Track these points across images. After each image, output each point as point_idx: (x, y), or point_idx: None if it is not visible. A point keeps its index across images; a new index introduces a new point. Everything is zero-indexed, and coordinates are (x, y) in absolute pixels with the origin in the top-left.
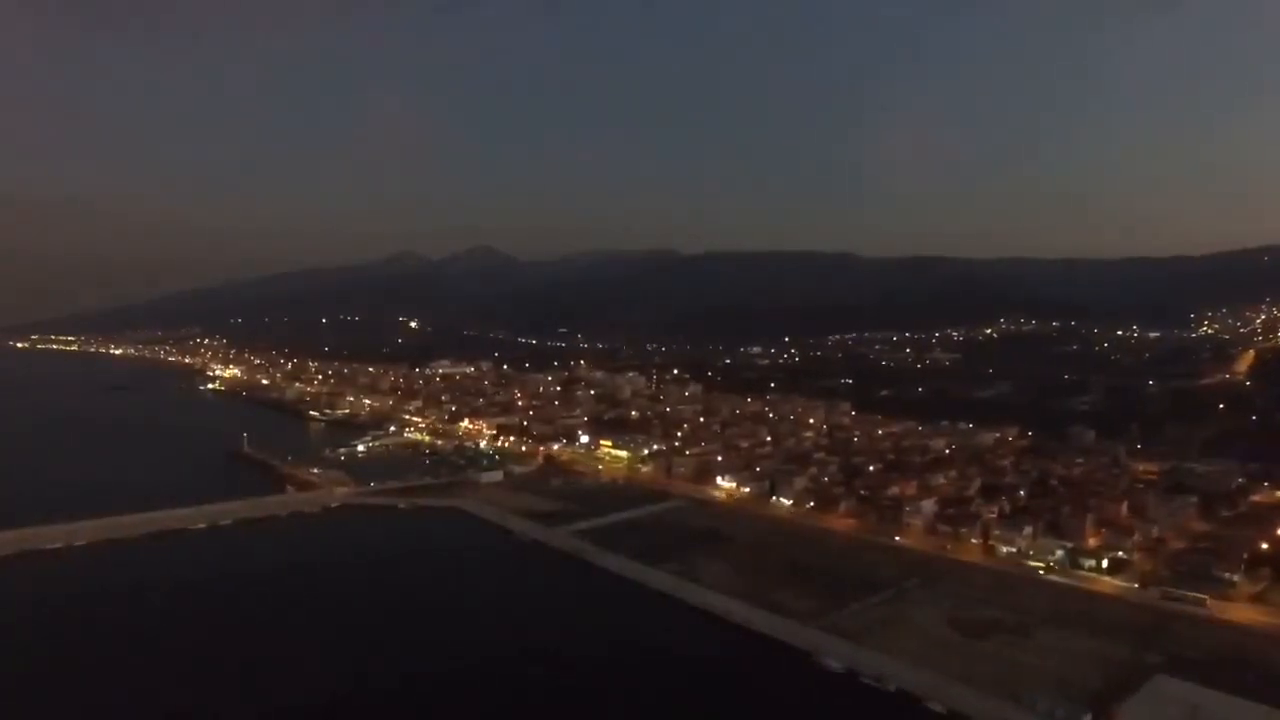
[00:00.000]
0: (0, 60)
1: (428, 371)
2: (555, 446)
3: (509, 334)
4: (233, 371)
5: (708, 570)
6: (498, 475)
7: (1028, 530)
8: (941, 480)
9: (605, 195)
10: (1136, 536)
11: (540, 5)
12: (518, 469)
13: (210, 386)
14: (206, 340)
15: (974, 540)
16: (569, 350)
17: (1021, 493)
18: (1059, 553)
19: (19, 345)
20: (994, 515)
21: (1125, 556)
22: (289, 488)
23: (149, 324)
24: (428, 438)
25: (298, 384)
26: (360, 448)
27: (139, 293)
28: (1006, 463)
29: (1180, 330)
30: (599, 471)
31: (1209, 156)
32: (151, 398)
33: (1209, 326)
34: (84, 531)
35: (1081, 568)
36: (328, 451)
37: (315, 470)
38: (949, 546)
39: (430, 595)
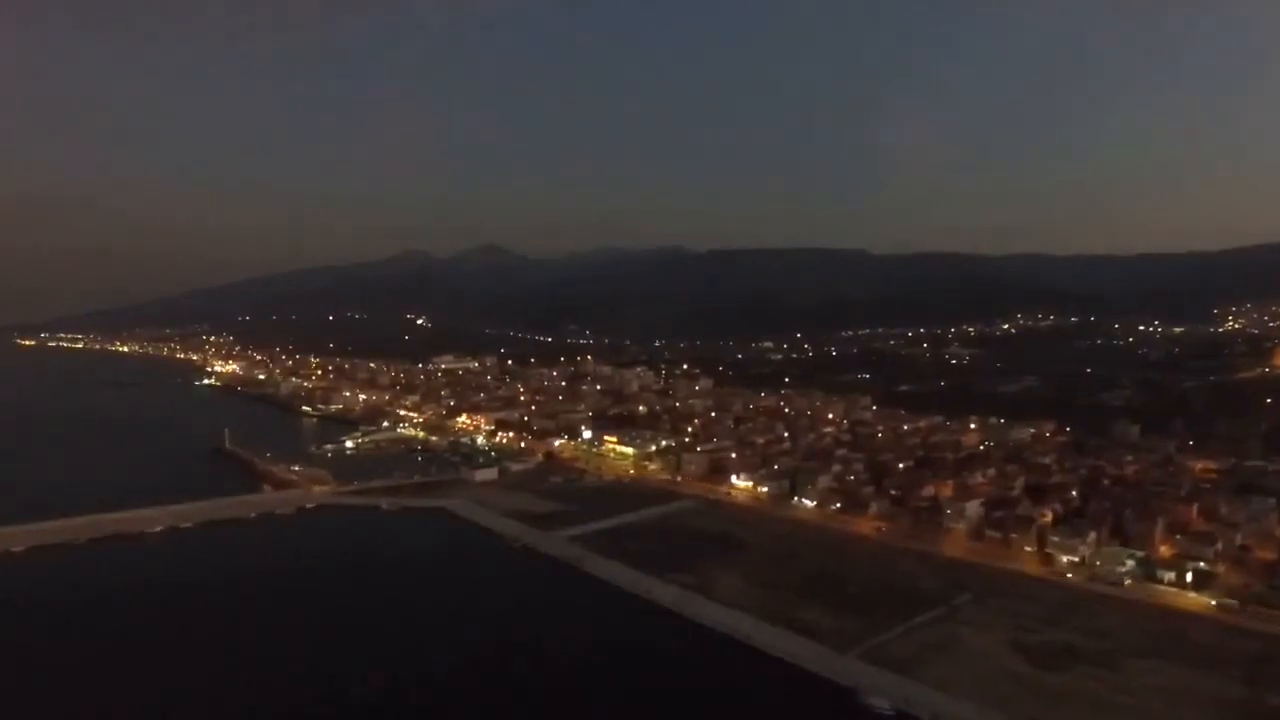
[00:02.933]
0: (15, 60)
1: (429, 366)
2: (556, 443)
3: (517, 332)
4: (231, 367)
5: (722, 582)
6: (492, 473)
7: (1091, 536)
8: (980, 479)
9: (613, 193)
10: (1219, 545)
11: (549, 3)
12: (514, 466)
13: (206, 382)
14: (213, 337)
15: (1028, 548)
16: (577, 347)
17: (1073, 493)
18: (1129, 563)
19: (25, 343)
20: (1047, 519)
21: (1208, 568)
22: (266, 486)
23: (159, 322)
24: (421, 433)
25: (294, 379)
26: (349, 444)
27: (150, 291)
28: (1048, 460)
29: (1204, 325)
30: (602, 469)
31: (1225, 151)
32: (143, 393)
33: (1234, 321)
34: (22, 536)
35: (1159, 581)
36: (314, 448)
37: (296, 468)
38: (999, 555)
39: (396, 607)
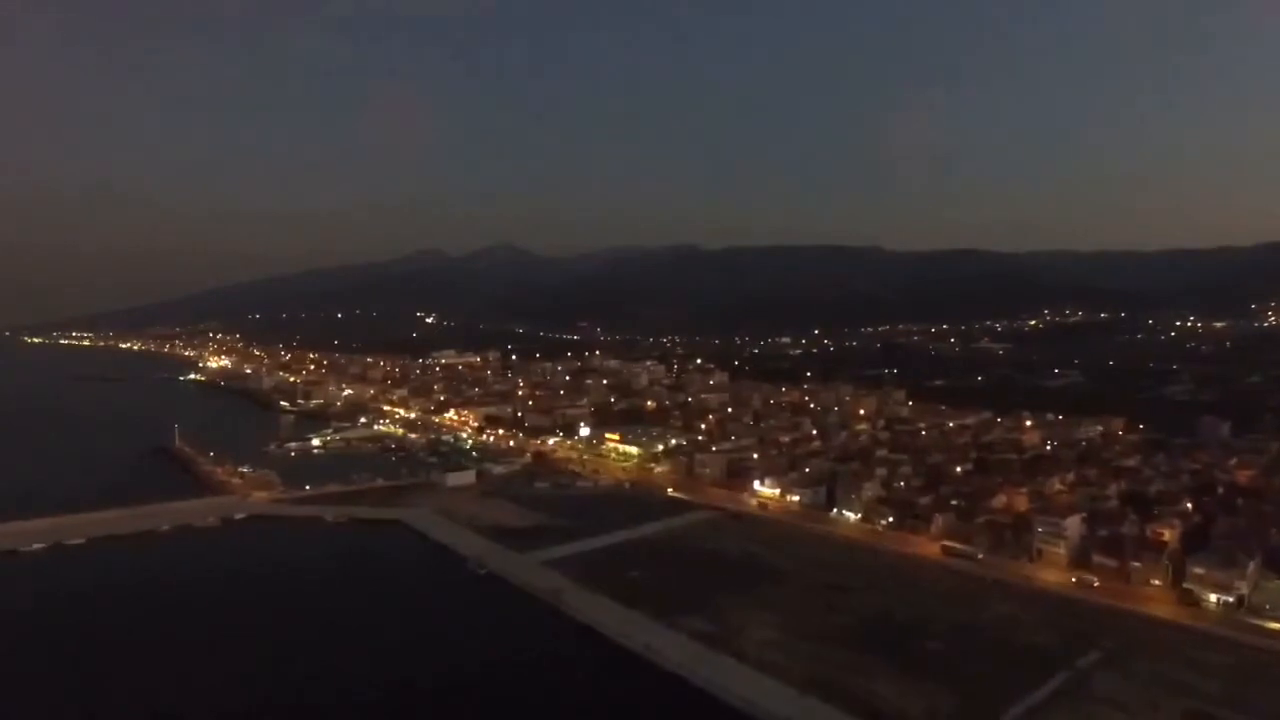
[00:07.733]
0: (34, 61)
1: (427, 361)
2: (550, 441)
3: (528, 328)
4: (222, 362)
5: (750, 630)
6: (469, 476)
7: (1250, 567)
8: (1058, 486)
9: (627, 191)
10: None
11: (563, 5)
12: (497, 469)
13: (191, 377)
14: (220, 335)
15: (1155, 580)
16: (587, 343)
17: (1187, 505)
18: None
19: (33, 341)
20: (1173, 541)
21: None
22: (207, 492)
23: (173, 320)
24: (400, 430)
25: (281, 373)
26: (315, 442)
27: (167, 291)
28: (1134, 462)
29: (1245, 320)
30: (600, 472)
31: (1251, 146)
32: (120, 388)
33: (1276, 316)
34: None
35: None
36: (273, 446)
37: (244, 469)
38: (1119, 590)
39: (281, 651)
